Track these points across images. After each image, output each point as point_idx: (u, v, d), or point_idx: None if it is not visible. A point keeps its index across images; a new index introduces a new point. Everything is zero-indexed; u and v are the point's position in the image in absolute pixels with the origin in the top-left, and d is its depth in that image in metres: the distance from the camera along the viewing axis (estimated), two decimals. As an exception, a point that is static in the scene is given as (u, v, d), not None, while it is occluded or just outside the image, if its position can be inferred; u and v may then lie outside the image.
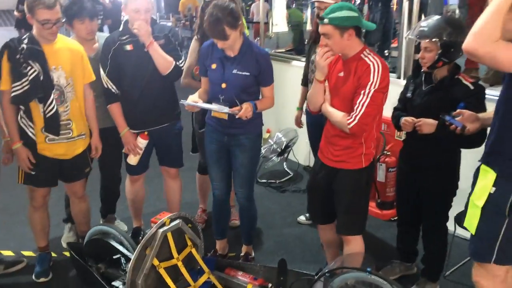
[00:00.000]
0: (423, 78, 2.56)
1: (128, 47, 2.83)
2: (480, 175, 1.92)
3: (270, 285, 2.61)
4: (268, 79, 2.71)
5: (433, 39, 2.34)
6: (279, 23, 7.52)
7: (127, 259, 2.56)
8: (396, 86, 2.82)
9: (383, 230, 3.55)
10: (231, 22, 2.47)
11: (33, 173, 2.74)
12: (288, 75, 4.63)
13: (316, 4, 3.14)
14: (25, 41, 2.60)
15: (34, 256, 3.14)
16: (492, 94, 2.84)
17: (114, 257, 2.68)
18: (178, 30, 9.98)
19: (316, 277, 2.30)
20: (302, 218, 3.69)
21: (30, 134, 2.70)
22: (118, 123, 2.95)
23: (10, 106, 2.64)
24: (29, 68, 2.58)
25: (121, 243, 2.65)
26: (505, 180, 1.82)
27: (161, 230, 2.38)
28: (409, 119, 2.50)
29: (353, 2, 6.40)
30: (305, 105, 3.35)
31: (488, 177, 1.86)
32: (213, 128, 2.80)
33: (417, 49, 2.54)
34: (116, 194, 3.49)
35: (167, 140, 3.09)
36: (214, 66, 2.66)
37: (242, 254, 3.13)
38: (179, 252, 2.51)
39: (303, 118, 3.55)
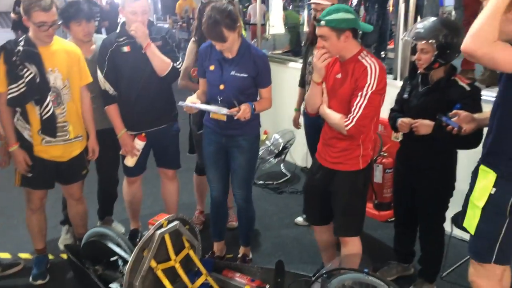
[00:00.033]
0: (419, 80, 2.57)
1: (125, 49, 2.84)
2: (479, 175, 1.93)
3: (267, 286, 2.62)
4: (266, 80, 2.72)
5: (429, 41, 2.35)
6: (276, 25, 7.55)
7: (125, 261, 2.56)
8: (393, 87, 2.83)
9: (380, 231, 3.56)
10: (229, 24, 2.47)
11: (30, 175, 2.73)
12: (285, 77, 4.63)
13: (312, 5, 3.15)
14: (22, 43, 2.59)
15: (31, 258, 3.13)
16: (488, 95, 2.86)
17: (112, 259, 2.67)
18: (175, 31, 9.99)
19: (313, 279, 2.30)
20: (299, 219, 3.69)
21: (26, 136, 2.69)
22: (115, 125, 2.95)
23: (7, 108, 2.63)
24: (25, 70, 2.58)
25: (119, 245, 2.65)
26: (505, 181, 1.84)
27: (158, 231, 2.37)
28: (406, 120, 2.51)
29: (349, 4, 6.42)
30: (302, 106, 3.37)
31: (488, 177, 1.88)
32: (211, 129, 2.81)
33: (414, 50, 2.55)
34: (113, 196, 3.49)
35: (165, 141, 3.09)
36: (212, 67, 2.67)
37: (239, 255, 3.13)
38: (176, 254, 2.50)
39: (301, 120, 3.56)
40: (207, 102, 2.73)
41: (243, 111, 2.55)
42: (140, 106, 2.91)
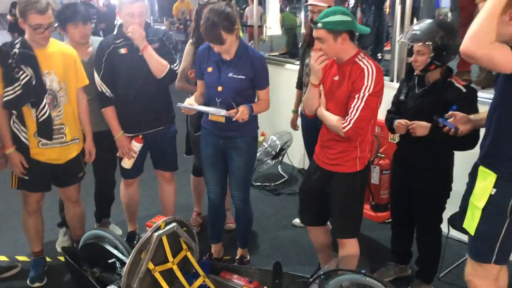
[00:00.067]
0: (416, 81, 2.58)
1: (122, 51, 2.84)
2: (479, 176, 1.95)
3: (265, 288, 2.62)
4: (263, 82, 2.72)
5: (426, 43, 2.37)
6: (273, 27, 7.56)
7: (122, 263, 2.56)
8: (389, 89, 2.84)
9: (377, 232, 3.56)
10: (227, 27, 2.48)
11: (26, 178, 2.73)
12: (282, 79, 4.65)
13: (309, 7, 3.17)
14: (17, 45, 2.59)
15: (28, 261, 3.12)
16: (484, 96, 2.87)
17: (109, 261, 2.67)
18: (172, 33, 9.99)
19: (311, 280, 2.31)
20: (297, 220, 3.70)
21: (23, 138, 2.68)
22: (112, 127, 2.94)
23: (3, 110, 2.63)
24: (21, 72, 2.57)
25: (116, 247, 2.65)
26: (505, 181, 1.86)
27: (156, 233, 2.37)
28: (403, 121, 2.52)
29: (346, 5, 6.44)
30: (300, 108, 3.38)
31: (488, 178, 1.90)
32: (209, 131, 2.81)
33: (410, 52, 2.56)
34: (110, 198, 3.49)
35: (162, 143, 3.09)
36: (210, 69, 2.67)
37: (237, 257, 3.13)
38: (174, 256, 2.50)
39: (298, 121, 3.57)
40: (206, 104, 2.73)
41: (241, 113, 2.56)
42: (137, 108, 2.91)
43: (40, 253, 3.03)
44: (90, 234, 2.77)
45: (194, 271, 2.60)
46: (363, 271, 2.09)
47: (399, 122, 2.53)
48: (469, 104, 2.38)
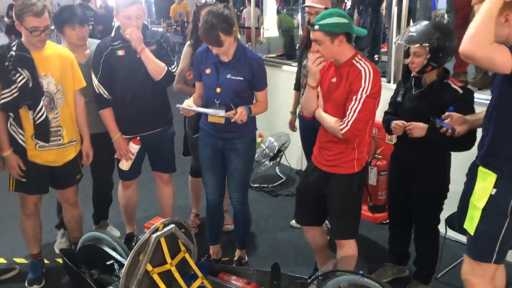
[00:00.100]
0: (413, 83, 2.59)
1: (120, 52, 2.84)
2: (478, 177, 1.96)
3: (263, 289, 2.63)
4: (261, 83, 2.73)
5: (422, 44, 2.38)
6: (270, 28, 7.57)
7: (121, 265, 2.56)
8: (386, 90, 2.85)
9: (375, 232, 3.57)
10: (225, 29, 2.49)
11: (23, 180, 2.72)
12: (279, 80, 4.65)
13: (306, 9, 3.18)
14: (14, 48, 2.59)
15: (26, 263, 3.12)
16: (481, 97, 2.89)
17: (107, 263, 2.67)
18: (169, 35, 10.00)
19: (309, 281, 2.31)
20: (294, 222, 3.70)
21: (20, 141, 2.68)
22: (110, 128, 2.95)
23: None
24: (18, 75, 2.57)
25: (114, 249, 2.65)
26: (505, 181, 1.88)
27: (154, 235, 2.38)
28: (400, 122, 2.53)
29: (343, 7, 6.46)
30: (298, 109, 3.38)
31: (488, 179, 1.91)
32: (208, 133, 2.81)
33: (407, 54, 2.57)
34: (108, 199, 3.49)
35: (160, 145, 3.09)
36: (208, 71, 2.68)
37: (235, 258, 3.14)
38: (172, 257, 2.51)
39: (296, 123, 3.58)
40: (205, 105, 2.74)
41: (239, 114, 2.57)
42: (135, 110, 2.91)
43: (38, 255, 3.02)
44: (88, 236, 2.77)
45: (192, 272, 2.61)
46: (361, 272, 2.09)
47: (396, 123, 2.54)
48: (465, 105, 2.39)
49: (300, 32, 6.65)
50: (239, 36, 2.80)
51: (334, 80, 2.37)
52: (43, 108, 2.64)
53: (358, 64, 2.29)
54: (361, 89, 2.23)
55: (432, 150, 2.51)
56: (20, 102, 2.60)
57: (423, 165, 2.57)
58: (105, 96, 2.89)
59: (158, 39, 2.91)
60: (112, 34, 2.89)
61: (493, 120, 1.90)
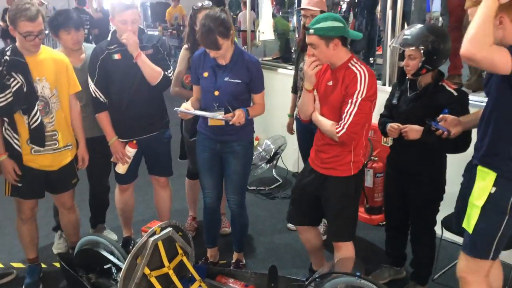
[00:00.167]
0: (408, 85, 2.61)
1: (116, 56, 2.84)
2: (477, 176, 1.98)
3: (261, 291, 2.63)
4: (259, 86, 2.75)
5: (417, 47, 2.39)
6: (266, 31, 7.59)
7: (118, 269, 2.56)
8: (382, 93, 2.86)
9: (371, 234, 3.58)
10: (223, 32, 2.50)
11: (19, 185, 2.72)
12: (275, 83, 4.67)
13: (302, 12, 3.20)
14: (8, 52, 2.58)
15: (24, 267, 3.11)
16: (475, 99, 2.91)
17: (105, 267, 2.67)
18: (165, 39, 10.00)
19: (306, 283, 2.32)
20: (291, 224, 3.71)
21: (15, 145, 2.67)
22: (106, 132, 2.95)
23: None
24: (12, 80, 2.56)
25: (112, 253, 2.65)
26: (505, 180, 1.90)
27: (151, 239, 2.38)
28: (395, 125, 2.54)
29: (339, 9, 6.49)
30: (295, 112, 3.40)
31: (487, 178, 1.94)
32: (206, 136, 2.82)
33: (402, 56, 2.59)
34: (105, 203, 3.49)
35: (156, 149, 3.09)
36: (206, 74, 2.69)
37: (233, 261, 3.14)
38: (170, 261, 2.51)
39: (294, 125, 3.59)
40: (203, 108, 2.75)
41: (237, 116, 2.58)
42: (131, 113, 2.92)
43: (35, 260, 3.02)
44: (86, 240, 2.76)
45: (190, 275, 2.61)
46: (358, 273, 2.10)
47: (392, 126, 2.56)
48: (460, 107, 2.41)
49: (296, 35, 6.68)
50: (236, 40, 2.81)
51: (330, 83, 2.38)
52: (38, 113, 2.63)
53: (353, 67, 2.30)
54: (357, 92, 2.24)
55: (428, 152, 2.52)
56: (15, 107, 2.59)
57: (419, 167, 2.59)
58: (102, 100, 2.89)
59: (155, 43, 2.92)
60: (109, 38, 2.90)
61: (493, 121, 1.93)
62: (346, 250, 2.53)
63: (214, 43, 2.51)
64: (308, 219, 2.68)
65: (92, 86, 2.87)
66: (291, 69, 4.45)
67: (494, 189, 1.91)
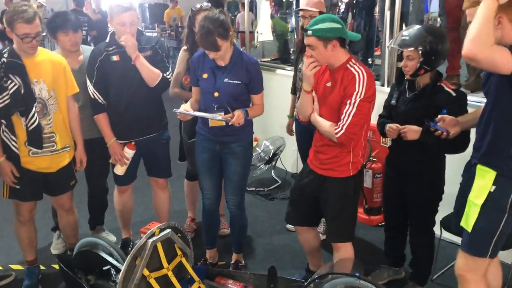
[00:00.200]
0: (406, 86, 2.61)
1: (115, 58, 2.84)
2: (477, 175, 1.99)
3: (260, 292, 2.63)
4: (258, 87, 2.75)
5: (415, 48, 2.40)
6: (264, 32, 7.59)
7: (117, 270, 2.55)
8: (380, 94, 2.87)
9: (370, 235, 3.59)
10: (222, 34, 2.51)
11: (17, 187, 2.71)
12: (274, 84, 4.67)
13: (300, 12, 3.20)
14: (5, 54, 2.58)
15: (22, 269, 3.11)
16: (473, 100, 2.91)
17: (104, 268, 2.66)
18: (163, 40, 10.01)
19: (306, 284, 2.32)
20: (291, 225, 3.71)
21: (13, 147, 2.66)
22: (105, 133, 2.95)
23: None
24: (9, 82, 2.56)
25: (111, 254, 2.64)
26: (505, 179, 1.91)
27: (150, 240, 2.37)
28: (394, 126, 2.55)
29: (337, 10, 6.49)
30: (295, 112, 3.40)
31: (487, 176, 1.94)
32: (205, 137, 2.82)
33: (400, 57, 2.60)
34: (103, 205, 3.48)
35: (155, 150, 3.09)
36: (205, 75, 2.69)
37: (232, 262, 3.14)
38: (169, 262, 2.51)
39: (293, 126, 3.59)
40: (203, 110, 2.75)
41: (237, 117, 2.58)
42: (130, 115, 2.92)
43: (34, 262, 3.01)
44: (84, 242, 2.76)
45: (189, 276, 2.60)
46: (357, 274, 2.10)
47: (390, 127, 2.56)
48: (459, 107, 2.41)
49: (294, 36, 6.69)
50: (234, 41, 2.82)
51: (329, 84, 2.38)
52: (36, 115, 2.63)
53: (352, 68, 2.30)
54: (355, 93, 2.25)
55: (427, 152, 2.52)
56: (12, 109, 2.59)
57: (418, 167, 2.59)
58: (100, 101, 2.89)
59: (153, 45, 2.92)
60: (107, 40, 2.90)
61: (493, 120, 1.93)
62: (345, 251, 2.53)
63: (213, 44, 2.51)
64: (307, 219, 2.69)
65: (90, 88, 2.87)
66: (289, 70, 4.45)
67: (493, 187, 1.92)
